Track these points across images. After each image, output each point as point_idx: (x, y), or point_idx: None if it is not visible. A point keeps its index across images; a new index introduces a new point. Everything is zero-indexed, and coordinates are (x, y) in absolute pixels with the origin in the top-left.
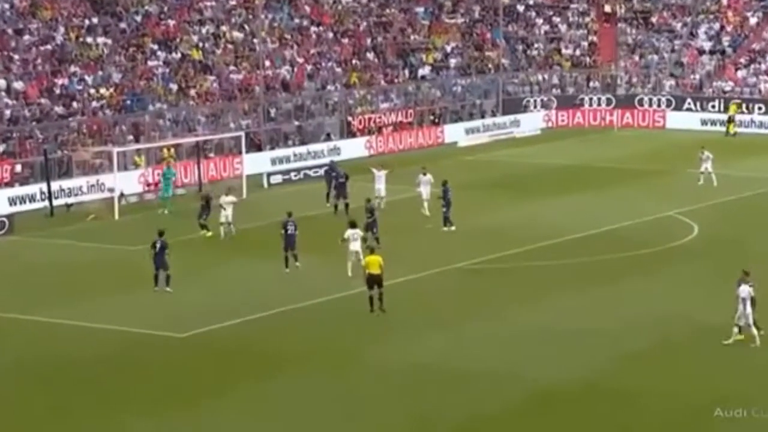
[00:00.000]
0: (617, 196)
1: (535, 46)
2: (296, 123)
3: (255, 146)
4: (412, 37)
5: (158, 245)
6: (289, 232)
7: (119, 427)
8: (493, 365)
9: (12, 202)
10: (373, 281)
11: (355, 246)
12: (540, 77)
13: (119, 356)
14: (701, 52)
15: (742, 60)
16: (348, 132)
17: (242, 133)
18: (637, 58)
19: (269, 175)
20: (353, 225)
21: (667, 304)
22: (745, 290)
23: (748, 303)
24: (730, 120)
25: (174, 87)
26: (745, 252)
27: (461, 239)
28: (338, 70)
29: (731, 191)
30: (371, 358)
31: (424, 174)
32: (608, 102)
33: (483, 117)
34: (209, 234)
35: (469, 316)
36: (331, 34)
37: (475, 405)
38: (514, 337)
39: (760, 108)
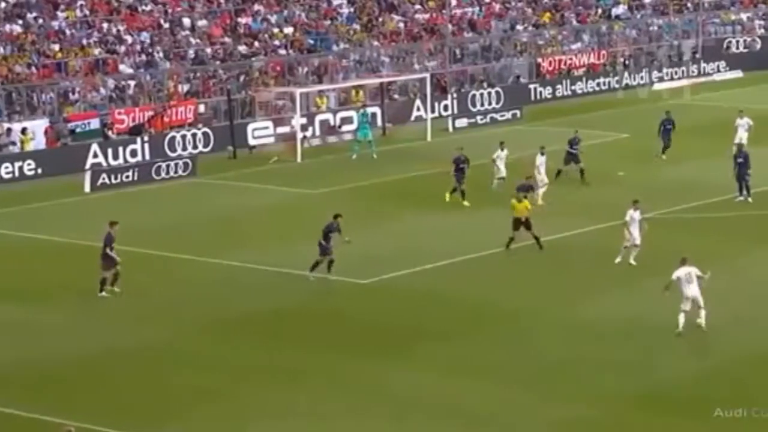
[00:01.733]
0: None
1: None
2: (482, 65)
3: (440, 89)
4: None
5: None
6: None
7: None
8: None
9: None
10: None
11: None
12: (743, 16)
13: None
14: None
15: None
16: (537, 74)
17: (427, 75)
18: None
19: (454, 118)
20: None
21: None
22: (683, 271)
23: (694, 285)
24: None
25: (358, 27)
26: None
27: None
28: (528, 9)
29: None
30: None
31: (542, 154)
32: None
33: (681, 59)
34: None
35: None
36: None
37: None
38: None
39: None
